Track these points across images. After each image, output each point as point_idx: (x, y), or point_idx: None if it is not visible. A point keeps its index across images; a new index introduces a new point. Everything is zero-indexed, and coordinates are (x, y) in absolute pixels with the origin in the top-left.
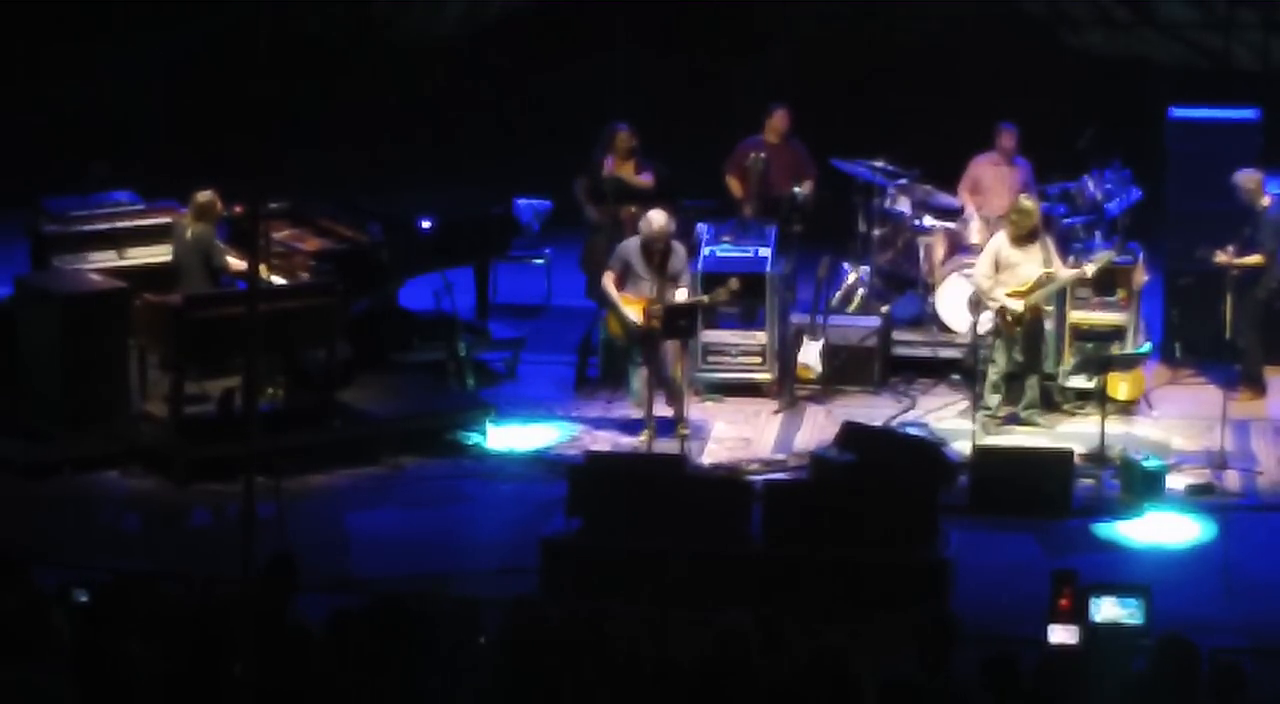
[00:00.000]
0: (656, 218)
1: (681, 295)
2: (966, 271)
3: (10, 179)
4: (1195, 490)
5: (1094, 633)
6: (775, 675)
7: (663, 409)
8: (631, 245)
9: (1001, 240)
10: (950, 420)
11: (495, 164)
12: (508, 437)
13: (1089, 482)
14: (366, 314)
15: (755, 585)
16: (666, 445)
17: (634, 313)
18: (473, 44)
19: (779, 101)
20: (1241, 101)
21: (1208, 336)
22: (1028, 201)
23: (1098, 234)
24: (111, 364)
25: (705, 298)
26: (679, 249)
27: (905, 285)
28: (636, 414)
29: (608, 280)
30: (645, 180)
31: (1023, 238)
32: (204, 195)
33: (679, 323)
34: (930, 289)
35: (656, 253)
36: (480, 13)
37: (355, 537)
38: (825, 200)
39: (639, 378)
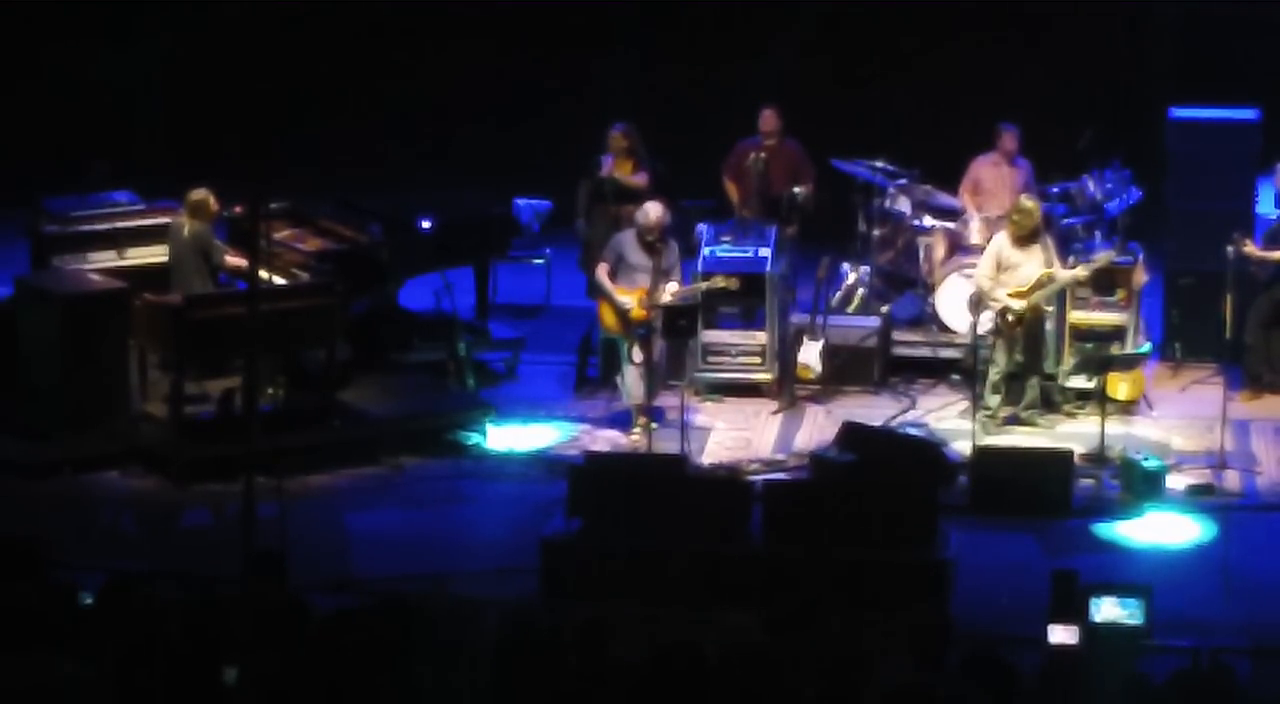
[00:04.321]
0: (653, 209)
1: (673, 288)
2: (967, 271)
3: (10, 179)
4: (1195, 490)
5: (1094, 633)
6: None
7: (656, 403)
8: (627, 238)
9: (1002, 241)
10: (950, 420)
11: (495, 164)
12: (508, 437)
13: (1089, 482)
14: (366, 314)
15: (755, 585)
16: (664, 444)
17: (629, 301)
18: (473, 43)
19: (771, 102)
20: (1241, 101)
21: (1208, 337)
22: (1028, 202)
23: (1098, 234)
24: (111, 364)
25: (703, 284)
26: (672, 244)
27: (905, 285)
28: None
29: (600, 272)
30: (639, 180)
31: (1023, 238)
32: (198, 193)
33: (679, 323)
34: (930, 289)
35: (652, 244)
36: None
37: (355, 537)
38: (825, 200)
39: (631, 374)
